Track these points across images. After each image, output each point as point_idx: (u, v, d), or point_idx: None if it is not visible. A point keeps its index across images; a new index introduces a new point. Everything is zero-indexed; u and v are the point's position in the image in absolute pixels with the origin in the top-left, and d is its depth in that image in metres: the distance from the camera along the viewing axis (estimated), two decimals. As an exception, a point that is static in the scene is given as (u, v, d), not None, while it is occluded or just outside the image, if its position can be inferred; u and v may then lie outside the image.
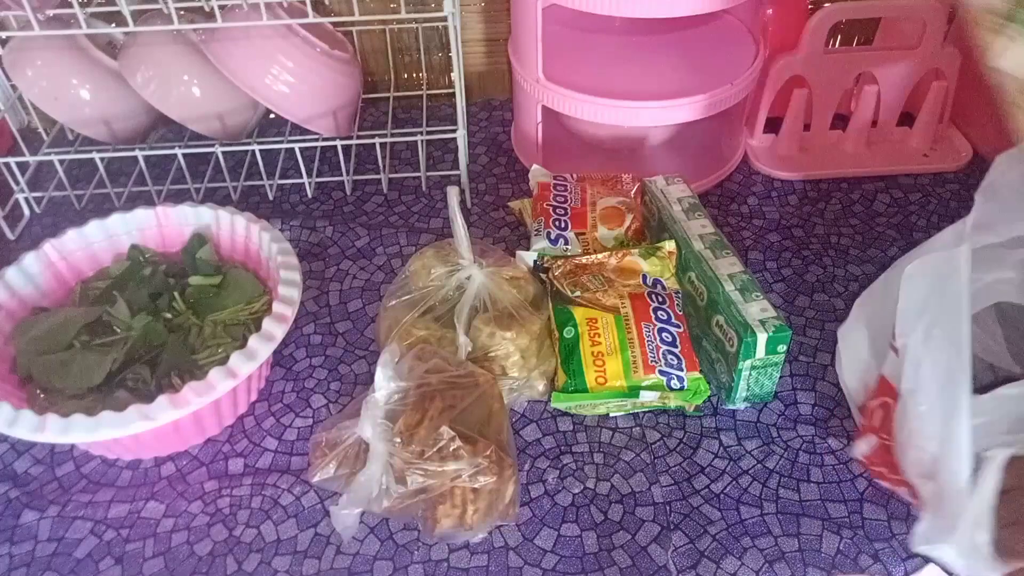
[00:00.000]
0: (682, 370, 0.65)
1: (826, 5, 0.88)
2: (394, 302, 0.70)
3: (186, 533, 0.62)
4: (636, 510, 0.63)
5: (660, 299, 0.69)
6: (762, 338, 0.63)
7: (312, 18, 0.77)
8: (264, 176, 0.91)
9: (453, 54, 0.81)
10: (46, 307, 0.71)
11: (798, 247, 0.85)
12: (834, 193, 0.92)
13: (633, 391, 0.64)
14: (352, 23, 0.99)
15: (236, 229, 0.75)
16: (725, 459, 0.66)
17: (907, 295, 0.56)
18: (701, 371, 0.66)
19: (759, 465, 0.66)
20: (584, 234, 0.77)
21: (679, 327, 0.67)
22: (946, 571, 0.58)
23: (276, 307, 0.66)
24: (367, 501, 0.57)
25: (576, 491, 0.64)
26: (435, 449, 0.57)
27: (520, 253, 0.74)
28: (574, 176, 0.83)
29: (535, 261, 0.74)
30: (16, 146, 0.94)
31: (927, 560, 0.59)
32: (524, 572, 0.59)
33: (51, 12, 0.79)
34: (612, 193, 0.80)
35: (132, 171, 0.94)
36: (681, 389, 0.64)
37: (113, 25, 0.84)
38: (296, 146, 0.88)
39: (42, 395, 0.65)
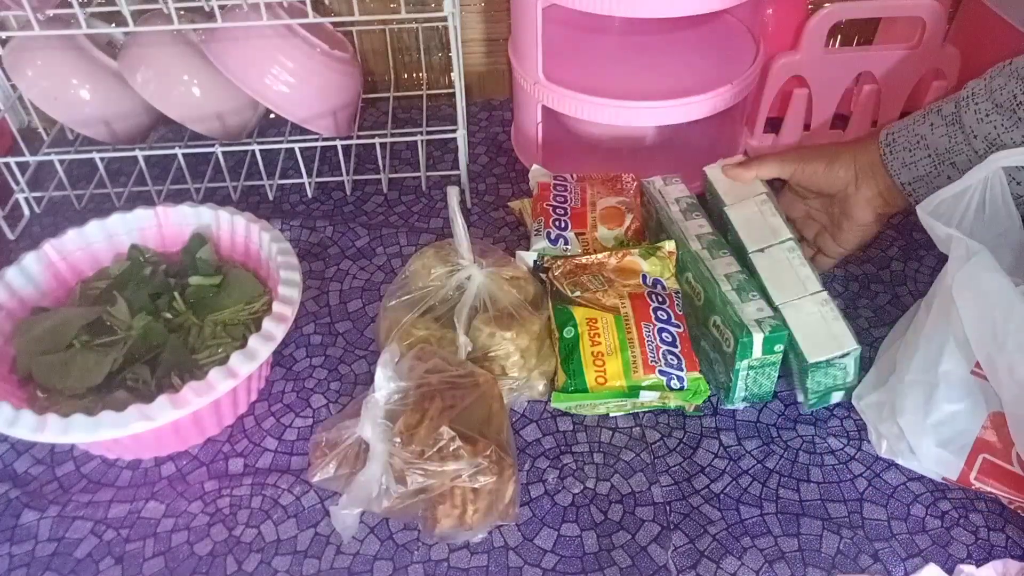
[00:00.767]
0: (682, 370, 0.65)
1: (826, 5, 0.88)
2: (394, 302, 0.70)
3: (186, 533, 0.62)
4: (636, 510, 0.63)
5: (660, 299, 0.69)
6: (758, 338, 0.63)
7: (312, 18, 0.77)
8: (264, 176, 0.91)
9: (453, 54, 0.81)
10: (46, 307, 0.71)
11: (798, 247, 0.85)
12: (834, 193, 0.92)
13: (633, 391, 0.64)
14: (352, 23, 0.99)
15: (236, 229, 0.75)
16: (725, 459, 0.66)
17: (966, 321, 0.56)
18: (701, 371, 0.66)
19: (759, 465, 0.66)
20: (584, 234, 0.77)
21: (679, 327, 0.67)
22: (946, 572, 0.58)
23: (276, 307, 0.66)
24: (367, 501, 0.57)
25: (576, 491, 0.64)
26: (435, 449, 0.57)
27: (520, 253, 0.74)
28: (574, 176, 0.83)
29: (535, 261, 0.74)
30: (16, 146, 0.94)
31: (927, 560, 0.59)
32: (524, 572, 0.59)
33: (51, 12, 0.79)
34: (612, 193, 0.81)
35: (132, 171, 0.94)
36: (681, 389, 0.64)
37: (113, 25, 0.84)
38: (296, 146, 0.88)
39: (42, 395, 0.65)
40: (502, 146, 1.01)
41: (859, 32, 1.03)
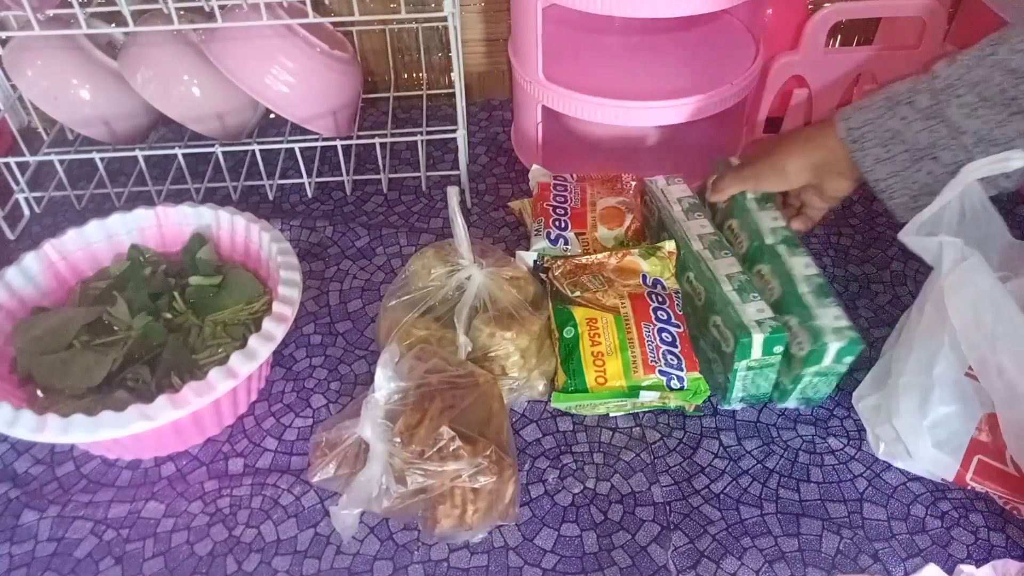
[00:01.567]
0: (682, 370, 0.65)
1: (826, 5, 0.88)
2: (394, 302, 0.70)
3: (186, 533, 0.62)
4: (636, 510, 0.63)
5: (660, 299, 0.69)
6: (758, 339, 0.63)
7: (312, 18, 0.77)
8: (264, 176, 0.91)
9: (453, 54, 0.81)
10: (46, 307, 0.71)
11: (798, 247, 0.85)
12: (834, 193, 0.92)
13: (633, 391, 0.64)
14: (352, 23, 0.99)
15: (236, 229, 0.75)
16: (725, 459, 0.66)
17: (959, 323, 0.56)
18: (700, 371, 0.66)
19: (759, 465, 0.66)
20: (584, 234, 0.77)
21: (679, 327, 0.67)
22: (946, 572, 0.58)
23: (276, 307, 0.66)
24: (367, 501, 0.57)
25: (576, 491, 0.64)
26: (435, 449, 0.57)
27: (520, 253, 0.74)
28: (574, 176, 0.83)
29: (535, 261, 0.74)
30: (16, 146, 0.94)
31: (927, 560, 0.59)
32: (524, 572, 0.59)
33: (51, 12, 0.79)
34: (612, 193, 0.81)
35: (132, 171, 0.94)
36: (681, 389, 0.64)
37: (113, 25, 0.84)
38: (296, 146, 0.88)
39: (42, 395, 0.65)
40: (502, 146, 1.01)
41: (859, 32, 1.03)
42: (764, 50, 0.89)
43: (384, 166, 0.95)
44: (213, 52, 0.82)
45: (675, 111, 0.83)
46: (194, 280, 0.72)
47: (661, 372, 0.64)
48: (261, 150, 0.88)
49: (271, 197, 0.93)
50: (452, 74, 1.01)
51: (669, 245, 0.72)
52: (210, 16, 0.76)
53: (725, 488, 0.64)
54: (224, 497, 0.64)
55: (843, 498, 0.63)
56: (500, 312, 0.68)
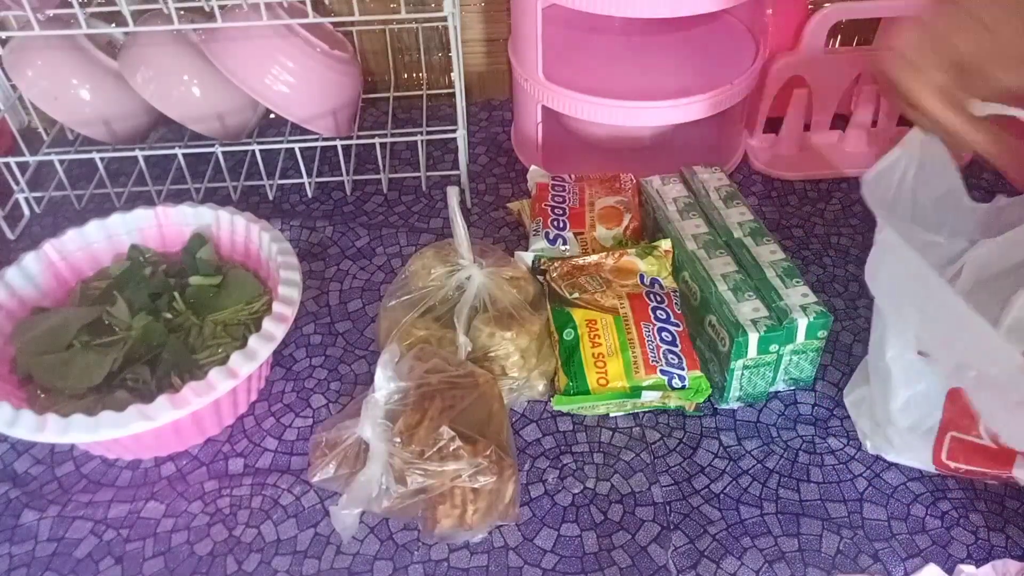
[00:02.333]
0: (683, 369, 0.65)
1: (826, 5, 0.88)
2: (394, 302, 0.70)
3: (186, 533, 0.62)
4: (636, 510, 0.63)
5: (658, 298, 0.69)
6: (753, 338, 0.63)
7: (312, 18, 0.77)
8: (264, 176, 0.91)
9: (453, 54, 0.81)
10: (46, 307, 0.71)
11: (798, 247, 0.85)
12: (834, 193, 0.92)
13: (635, 391, 0.64)
14: (352, 23, 0.99)
15: (236, 229, 0.75)
16: (725, 459, 0.66)
17: (888, 304, 0.55)
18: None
19: (759, 465, 0.66)
20: (583, 234, 0.77)
21: (678, 326, 0.67)
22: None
23: (276, 307, 0.66)
24: (367, 501, 0.57)
25: (576, 491, 0.64)
26: (435, 449, 0.57)
27: (519, 253, 0.74)
28: (572, 176, 0.83)
29: (533, 262, 0.74)
30: (16, 146, 0.94)
31: (927, 560, 0.59)
32: (524, 572, 0.59)
33: (51, 12, 0.79)
34: (610, 193, 0.81)
35: (132, 171, 0.94)
36: (683, 388, 0.64)
37: (113, 25, 0.84)
38: (296, 146, 0.88)
39: (42, 395, 0.65)
40: (502, 146, 1.01)
41: (859, 32, 1.03)
42: (764, 50, 0.89)
43: (384, 166, 0.95)
44: (213, 52, 0.82)
45: (675, 111, 0.83)
46: (194, 280, 0.72)
47: (662, 372, 0.64)
48: (261, 150, 0.88)
49: (271, 197, 0.93)
50: (452, 74, 1.01)
51: (665, 244, 0.72)
52: (210, 16, 0.76)
53: (725, 488, 0.64)
54: (224, 497, 0.64)
55: (843, 498, 0.63)
56: (500, 312, 0.68)
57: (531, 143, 0.93)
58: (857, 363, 0.69)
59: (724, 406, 0.69)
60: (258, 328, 0.64)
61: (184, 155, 0.87)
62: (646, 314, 0.67)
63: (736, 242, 0.71)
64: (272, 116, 0.95)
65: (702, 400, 0.66)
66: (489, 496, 0.58)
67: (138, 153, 0.87)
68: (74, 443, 0.65)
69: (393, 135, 0.98)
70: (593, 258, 0.72)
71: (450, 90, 1.05)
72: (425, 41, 1.03)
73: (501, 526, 0.61)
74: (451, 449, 0.57)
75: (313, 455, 0.60)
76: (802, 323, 0.64)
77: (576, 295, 0.69)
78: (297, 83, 0.83)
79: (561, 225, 0.77)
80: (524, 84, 0.88)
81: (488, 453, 0.57)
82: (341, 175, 0.93)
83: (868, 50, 0.93)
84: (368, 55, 1.04)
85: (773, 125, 0.97)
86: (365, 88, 1.03)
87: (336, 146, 0.92)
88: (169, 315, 0.70)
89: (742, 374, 0.66)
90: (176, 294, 0.71)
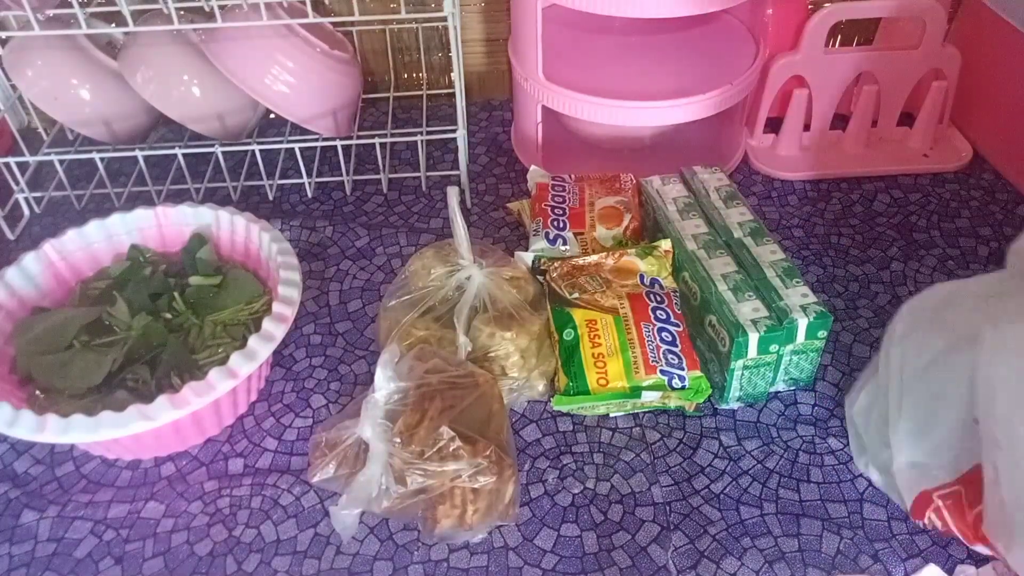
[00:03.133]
0: (683, 369, 0.65)
1: (826, 5, 0.88)
2: (394, 302, 0.70)
3: (186, 533, 0.62)
4: (636, 510, 0.63)
5: (658, 299, 0.69)
6: (753, 338, 0.63)
7: (312, 18, 0.77)
8: (264, 176, 0.91)
9: (453, 54, 0.81)
10: (46, 307, 0.71)
11: (798, 247, 0.85)
12: (834, 193, 0.92)
13: (635, 392, 0.64)
14: (352, 23, 0.99)
15: (236, 229, 0.75)
16: (725, 459, 0.66)
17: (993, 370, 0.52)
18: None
19: (759, 465, 0.66)
20: (583, 234, 0.77)
21: (678, 326, 0.67)
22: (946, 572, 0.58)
23: (276, 307, 0.66)
24: (367, 501, 0.57)
25: (576, 491, 0.64)
26: (435, 449, 0.57)
27: (518, 253, 0.74)
28: (572, 176, 0.83)
29: (533, 262, 0.74)
30: (16, 146, 0.94)
31: (927, 560, 0.59)
32: (524, 572, 0.59)
33: (51, 12, 0.79)
34: (610, 193, 0.81)
35: (132, 171, 0.94)
36: (683, 388, 0.64)
37: (113, 25, 0.84)
38: (296, 146, 0.88)
39: (42, 395, 0.65)
40: (502, 146, 1.01)
41: (859, 32, 1.03)
42: (764, 50, 0.89)
43: (384, 166, 0.95)
44: (213, 52, 0.82)
45: (675, 111, 0.83)
46: (194, 280, 0.72)
47: (663, 372, 0.64)
48: (261, 150, 0.88)
49: (271, 197, 0.93)
50: (452, 74, 1.01)
51: (665, 244, 0.72)
52: (210, 16, 0.76)
53: (725, 488, 0.64)
54: (224, 497, 0.64)
55: (843, 498, 0.63)
56: (500, 312, 0.68)
57: (531, 143, 0.93)
58: (857, 363, 0.69)
59: (724, 406, 0.69)
60: (258, 328, 0.64)
61: (184, 155, 0.87)
62: (646, 314, 0.67)
63: (736, 242, 0.71)
64: (272, 116, 0.95)
65: (702, 400, 0.66)
66: (489, 496, 0.58)
67: (138, 153, 0.87)
68: (74, 443, 0.65)
69: (393, 135, 0.98)
70: (593, 258, 0.72)
71: (450, 90, 1.05)
72: (425, 41, 1.03)
73: (501, 526, 0.61)
74: (451, 449, 0.57)
75: (313, 455, 0.60)
76: (802, 323, 0.64)
77: (576, 295, 0.69)
78: (297, 83, 0.83)
79: (561, 225, 0.77)
80: (524, 84, 0.88)
81: (488, 453, 0.57)
82: (341, 175, 0.93)
83: (868, 50, 0.93)
84: (368, 55, 1.04)
85: (773, 125, 0.97)
86: (365, 88, 1.03)
87: (336, 146, 0.92)
88: (169, 315, 0.70)
89: (742, 374, 0.66)
90: (176, 294, 0.71)
